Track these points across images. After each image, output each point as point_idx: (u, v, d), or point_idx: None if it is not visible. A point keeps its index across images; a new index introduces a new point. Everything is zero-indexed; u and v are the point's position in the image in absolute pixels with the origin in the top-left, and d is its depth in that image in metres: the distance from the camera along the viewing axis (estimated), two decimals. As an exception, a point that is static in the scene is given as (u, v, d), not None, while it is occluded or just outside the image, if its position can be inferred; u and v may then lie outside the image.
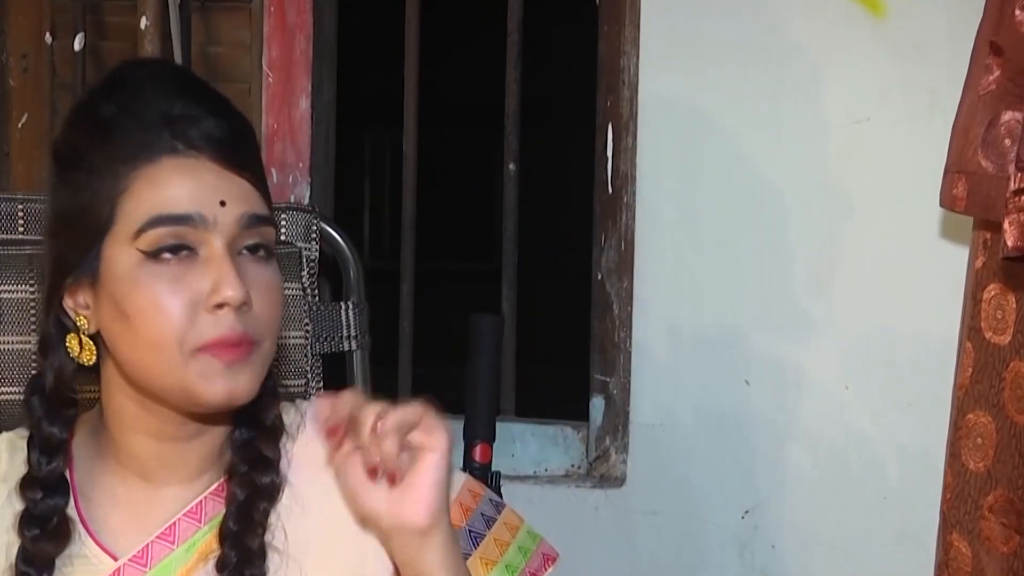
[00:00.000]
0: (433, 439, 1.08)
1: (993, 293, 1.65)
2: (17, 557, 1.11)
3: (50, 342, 1.12)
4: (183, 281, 1.05)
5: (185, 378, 1.06)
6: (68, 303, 1.10)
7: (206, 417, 1.12)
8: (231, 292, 1.04)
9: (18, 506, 1.12)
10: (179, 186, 1.05)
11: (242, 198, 1.07)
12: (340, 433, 1.07)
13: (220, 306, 1.05)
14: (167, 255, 1.05)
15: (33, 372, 1.16)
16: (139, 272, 1.05)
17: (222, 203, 1.06)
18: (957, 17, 1.70)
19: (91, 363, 1.11)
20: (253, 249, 1.09)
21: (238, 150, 1.08)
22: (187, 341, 1.05)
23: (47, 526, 1.11)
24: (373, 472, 1.08)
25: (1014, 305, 1.62)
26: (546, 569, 1.23)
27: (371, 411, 1.06)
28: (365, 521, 1.12)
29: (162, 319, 1.05)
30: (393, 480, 1.08)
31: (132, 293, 1.05)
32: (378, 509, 1.09)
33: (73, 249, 1.09)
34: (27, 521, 1.11)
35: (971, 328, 1.68)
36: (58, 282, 1.10)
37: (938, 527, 1.74)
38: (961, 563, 1.68)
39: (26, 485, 1.12)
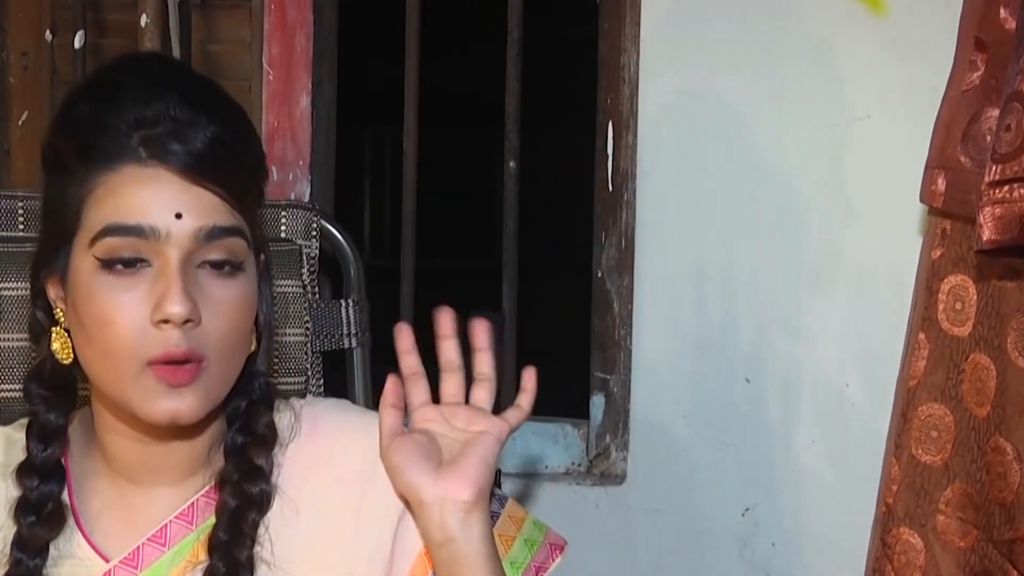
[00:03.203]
0: (493, 424, 1.13)
1: (952, 284, 1.64)
2: (12, 544, 1.11)
3: (39, 328, 1.14)
4: (133, 294, 1.04)
5: (130, 395, 1.06)
6: (50, 291, 1.11)
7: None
8: (174, 308, 1.03)
9: (14, 492, 1.13)
10: (134, 196, 1.04)
11: (203, 211, 1.05)
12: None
13: (165, 321, 1.04)
14: (119, 267, 1.04)
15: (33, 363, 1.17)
16: (93, 281, 1.05)
17: (178, 215, 1.04)
18: (957, 15, 1.70)
19: (69, 361, 1.11)
20: (218, 265, 1.07)
21: (210, 161, 1.05)
22: (137, 355, 1.04)
23: (42, 511, 1.11)
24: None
25: (975, 297, 1.62)
26: (553, 559, 1.23)
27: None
28: (406, 494, 1.12)
29: (113, 332, 1.04)
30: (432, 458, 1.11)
31: (88, 303, 1.05)
32: (424, 481, 1.10)
33: (51, 243, 1.10)
34: (24, 507, 1.12)
35: (925, 319, 1.68)
36: (40, 268, 1.11)
37: (876, 520, 1.73)
38: (912, 557, 1.67)
39: (23, 472, 1.13)
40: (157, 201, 1.04)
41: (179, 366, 1.05)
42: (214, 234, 1.06)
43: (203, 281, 1.06)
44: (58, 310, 1.11)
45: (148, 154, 1.04)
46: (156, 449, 1.13)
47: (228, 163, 1.07)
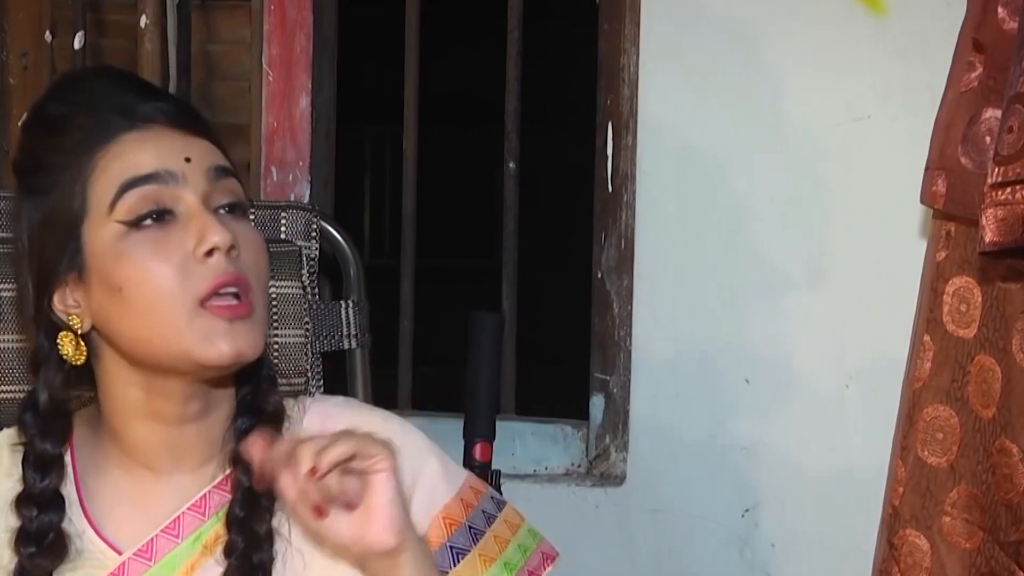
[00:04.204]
0: (375, 462, 1.05)
1: (957, 286, 1.64)
2: (14, 574, 1.11)
3: (41, 357, 1.13)
4: (168, 242, 1.06)
5: (188, 342, 1.06)
6: (58, 307, 1.11)
7: (212, 391, 1.12)
8: (218, 237, 1.06)
9: (14, 521, 1.12)
10: (141, 151, 1.08)
11: (205, 154, 1.10)
12: (271, 474, 1.04)
13: (210, 253, 1.06)
14: (148, 222, 1.06)
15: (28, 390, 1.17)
16: (122, 244, 1.06)
17: (187, 159, 1.08)
18: (957, 15, 1.70)
19: (81, 363, 1.12)
20: (231, 208, 1.10)
21: (193, 118, 1.12)
22: (186, 296, 1.05)
23: (43, 542, 1.11)
24: (318, 511, 1.04)
25: (980, 299, 1.62)
26: (545, 568, 1.23)
27: (306, 452, 1.03)
28: (336, 553, 1.10)
29: (156, 283, 1.05)
30: (350, 508, 1.06)
31: (119, 265, 1.06)
32: (344, 540, 1.07)
33: (53, 251, 1.09)
34: (23, 538, 1.11)
35: (930, 321, 1.68)
36: (44, 291, 1.10)
37: (882, 522, 1.73)
38: (918, 559, 1.67)
39: (21, 502, 1.12)
40: (165, 149, 1.08)
41: (236, 302, 1.06)
42: (220, 173, 1.10)
43: (225, 221, 1.09)
44: (73, 317, 1.10)
45: (140, 119, 1.08)
46: (180, 431, 1.13)
47: (208, 124, 1.14)
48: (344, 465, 1.04)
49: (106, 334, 1.10)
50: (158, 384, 1.11)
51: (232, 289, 1.06)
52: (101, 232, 1.07)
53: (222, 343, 1.06)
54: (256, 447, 1.05)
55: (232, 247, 1.06)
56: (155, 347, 1.07)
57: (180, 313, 1.05)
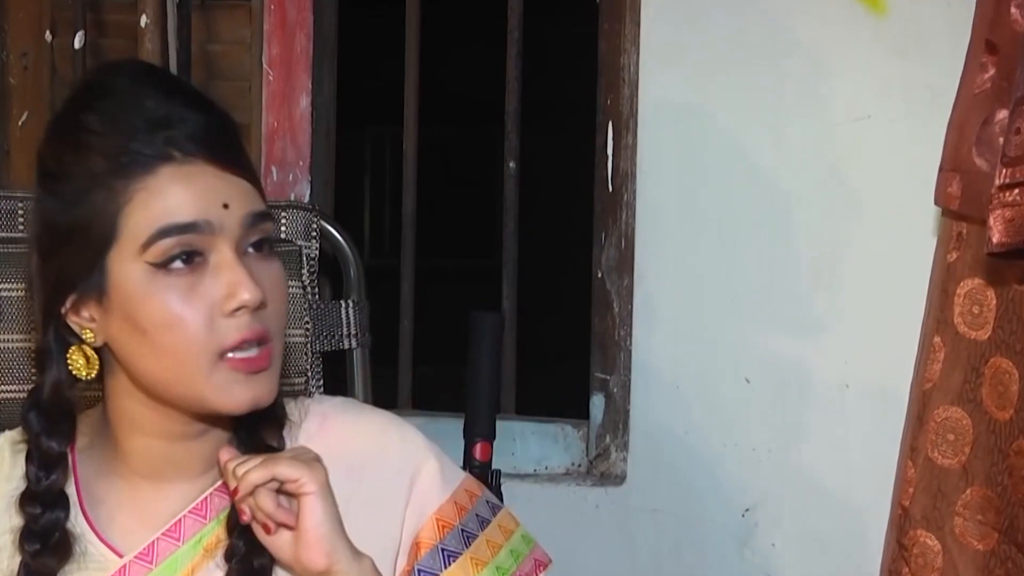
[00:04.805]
0: (302, 484, 1.07)
1: (969, 288, 1.64)
2: (19, 572, 1.11)
3: (48, 356, 1.12)
4: (197, 290, 1.05)
5: (206, 390, 1.06)
6: (72, 318, 1.09)
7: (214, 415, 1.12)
8: (248, 296, 1.05)
9: (17, 520, 1.12)
10: (181, 194, 1.04)
11: (243, 198, 1.07)
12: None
13: (238, 309, 1.05)
14: (178, 264, 1.05)
15: (31, 386, 1.16)
16: (151, 285, 1.05)
17: (225, 206, 1.06)
18: (957, 15, 1.70)
19: (92, 376, 1.11)
20: (257, 246, 1.09)
21: (230, 147, 1.08)
22: (209, 348, 1.05)
23: (48, 541, 1.11)
24: (264, 527, 1.08)
25: (995, 301, 1.61)
26: (537, 574, 1.23)
27: (232, 472, 1.08)
28: (285, 570, 1.12)
29: (182, 330, 1.04)
30: (290, 527, 1.08)
31: (146, 307, 1.05)
32: (286, 559, 1.09)
33: (74, 265, 1.07)
34: (28, 536, 1.11)
35: (940, 322, 1.67)
36: (58, 298, 1.09)
37: (891, 522, 1.73)
38: (929, 559, 1.67)
39: (25, 500, 1.12)
40: (204, 194, 1.05)
41: (255, 355, 1.06)
42: (255, 220, 1.08)
43: (253, 266, 1.07)
44: (87, 331, 1.09)
45: (181, 152, 1.05)
46: (182, 446, 1.13)
47: (242, 146, 1.11)
48: (279, 486, 1.07)
49: (122, 362, 1.10)
50: (163, 408, 1.11)
51: (255, 343, 1.06)
52: (129, 268, 1.05)
53: (240, 393, 1.07)
54: (224, 453, 1.10)
55: (261, 304, 1.06)
56: (172, 388, 1.08)
57: (201, 362, 1.05)
